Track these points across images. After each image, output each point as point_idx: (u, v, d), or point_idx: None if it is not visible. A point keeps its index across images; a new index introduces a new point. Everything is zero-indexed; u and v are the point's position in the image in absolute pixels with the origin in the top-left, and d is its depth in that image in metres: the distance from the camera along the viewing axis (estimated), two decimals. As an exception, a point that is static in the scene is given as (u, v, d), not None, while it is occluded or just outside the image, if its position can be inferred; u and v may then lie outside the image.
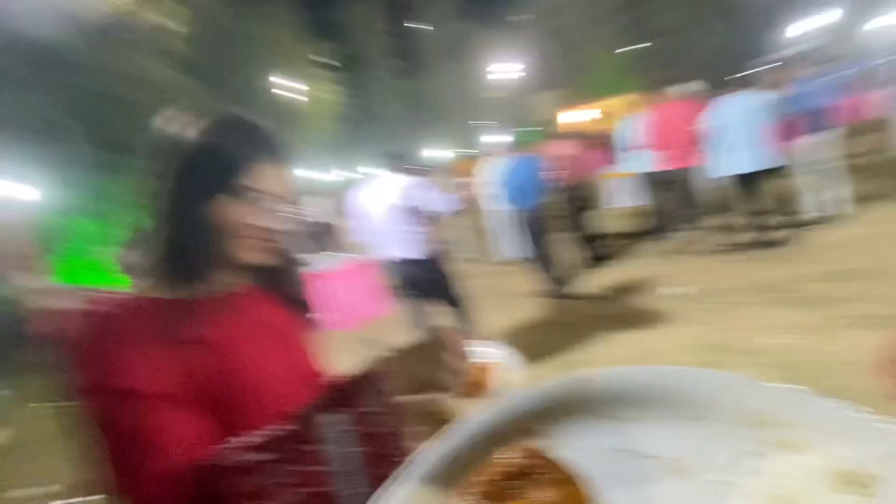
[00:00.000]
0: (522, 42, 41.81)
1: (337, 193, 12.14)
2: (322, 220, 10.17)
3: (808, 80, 4.60)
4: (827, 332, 2.80)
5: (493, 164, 5.85)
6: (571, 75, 34.21)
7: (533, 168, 4.41)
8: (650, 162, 4.93)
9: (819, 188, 4.70)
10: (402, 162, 3.14)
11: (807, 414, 0.35)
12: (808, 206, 4.80)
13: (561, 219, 4.86)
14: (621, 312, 3.85)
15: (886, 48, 9.05)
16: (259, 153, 0.70)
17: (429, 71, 47.42)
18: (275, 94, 19.19)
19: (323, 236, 10.26)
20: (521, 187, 4.38)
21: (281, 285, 0.84)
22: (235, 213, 0.67)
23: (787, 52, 4.99)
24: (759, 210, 4.33)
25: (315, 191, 10.74)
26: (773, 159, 4.13)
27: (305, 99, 20.33)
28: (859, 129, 9.50)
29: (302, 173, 23.21)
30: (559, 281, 4.64)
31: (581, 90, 30.31)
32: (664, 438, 0.38)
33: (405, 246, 3.03)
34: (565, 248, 4.68)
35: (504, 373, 0.78)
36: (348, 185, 10.87)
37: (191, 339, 0.64)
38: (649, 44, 38.24)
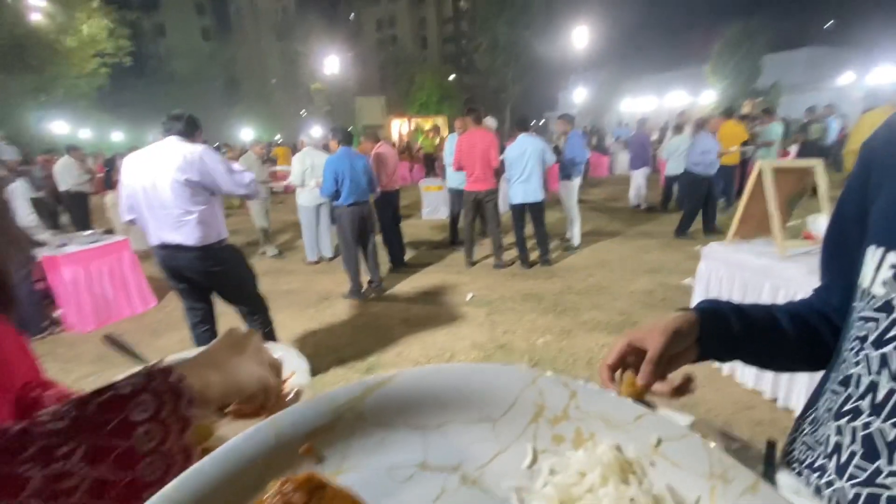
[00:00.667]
0: (357, 43, 41.57)
1: (111, 159, 9.60)
2: (76, 188, 7.87)
3: (571, 137, 5.76)
4: (576, 335, 3.50)
5: (311, 157, 5.48)
6: (399, 87, 35.77)
7: (357, 166, 4.28)
8: (460, 180, 5.40)
9: (569, 222, 5.94)
10: (189, 128, 2.56)
11: (594, 406, 0.34)
12: (567, 235, 6.01)
13: (375, 221, 4.85)
14: (422, 315, 4.05)
15: (634, 122, 12.20)
16: None
17: (246, 42, 42.53)
18: (19, 11, 14.23)
19: (76, 209, 7.94)
20: (346, 183, 4.19)
21: None
22: None
23: (565, 111, 6.14)
24: (525, 235, 5.17)
25: (76, 151, 8.20)
26: (538, 195, 4.98)
27: (61, 27, 15.53)
28: (605, 180, 12.60)
29: (57, 127, 17.66)
30: (369, 283, 4.62)
31: (405, 103, 31.95)
32: (464, 445, 0.34)
33: (180, 229, 2.47)
34: (375, 251, 4.70)
35: (288, 381, 0.63)
36: (127, 150, 8.69)
37: None
38: (466, 76, 42.93)
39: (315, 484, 0.30)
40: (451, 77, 40.73)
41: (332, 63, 24.47)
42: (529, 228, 5.15)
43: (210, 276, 2.63)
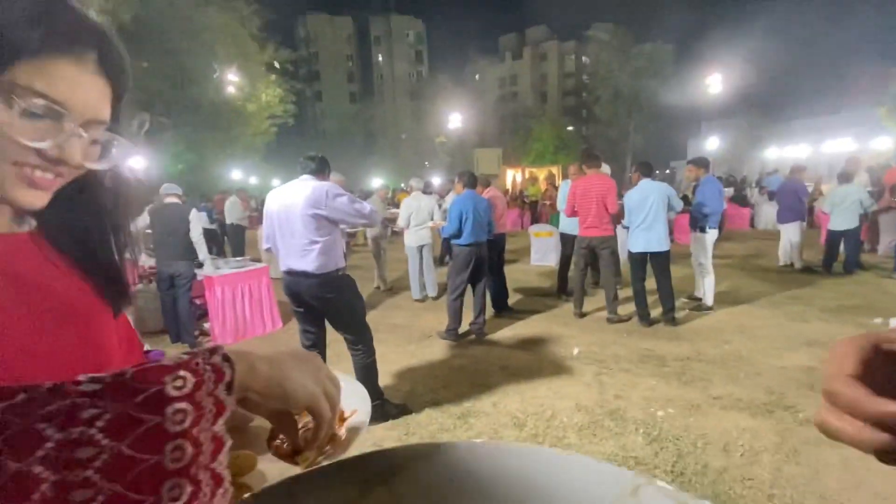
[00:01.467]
0: (480, 100, 44.41)
1: (263, 200, 11.44)
2: (237, 222, 9.40)
3: (704, 184, 5.14)
4: (706, 412, 2.94)
5: (417, 201, 5.84)
6: (516, 138, 36.85)
7: (480, 207, 4.41)
8: (572, 225, 5.17)
9: (700, 279, 5.20)
10: (320, 167, 2.87)
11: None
12: (698, 293, 5.27)
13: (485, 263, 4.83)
14: (523, 365, 3.81)
15: (779, 172, 10.70)
16: (50, 40, 0.43)
17: (384, 102, 48.56)
18: (219, 84, 18.22)
19: (235, 239, 9.46)
20: (469, 223, 4.32)
21: (84, 249, 0.55)
22: None
23: (692, 158, 5.53)
24: (645, 288, 4.63)
25: (243, 192, 9.98)
26: (663, 244, 4.50)
27: (247, 95, 19.49)
28: (745, 235, 11.04)
29: (233, 174, 21.85)
30: (471, 323, 4.55)
31: (521, 154, 32.60)
32: None
33: (305, 257, 2.72)
34: (485, 292, 4.64)
35: (348, 419, 0.56)
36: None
37: None
38: (584, 126, 42.55)
39: None
40: (570, 128, 40.78)
41: (455, 119, 26.34)
42: (651, 283, 4.64)
43: (325, 301, 2.82)
